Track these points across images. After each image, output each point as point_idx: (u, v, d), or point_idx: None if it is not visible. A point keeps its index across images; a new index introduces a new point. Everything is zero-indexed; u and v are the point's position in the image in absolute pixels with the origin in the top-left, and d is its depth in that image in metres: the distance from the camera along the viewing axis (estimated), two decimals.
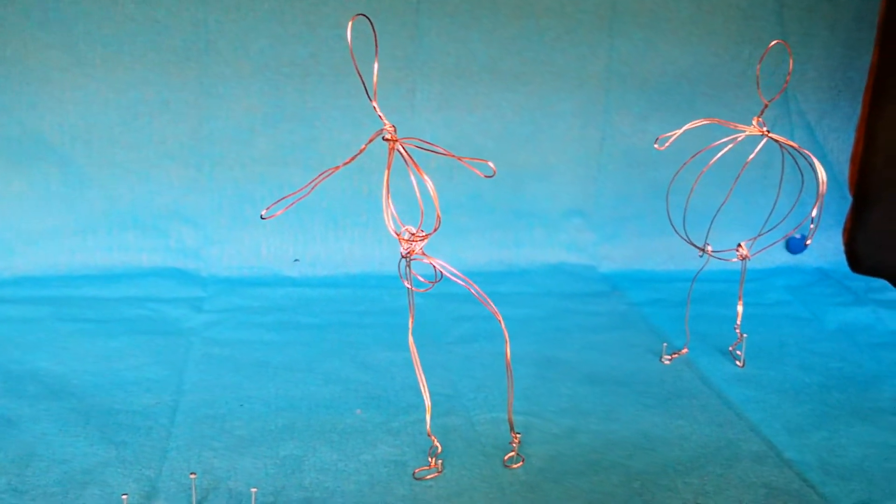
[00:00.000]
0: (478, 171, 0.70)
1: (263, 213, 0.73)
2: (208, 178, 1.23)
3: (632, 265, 1.34)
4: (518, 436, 0.78)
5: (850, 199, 1.39)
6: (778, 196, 1.01)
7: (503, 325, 0.74)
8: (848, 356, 1.06)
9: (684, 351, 1.05)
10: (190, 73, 1.18)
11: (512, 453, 0.78)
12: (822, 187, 0.91)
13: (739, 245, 1.01)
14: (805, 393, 0.96)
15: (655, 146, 0.89)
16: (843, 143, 1.37)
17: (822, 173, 0.91)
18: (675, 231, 0.98)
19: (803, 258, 1.39)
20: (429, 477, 0.75)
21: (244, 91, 1.20)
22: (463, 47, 1.23)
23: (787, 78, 0.97)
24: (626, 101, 1.30)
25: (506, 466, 0.77)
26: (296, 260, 1.25)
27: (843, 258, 1.40)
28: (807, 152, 0.91)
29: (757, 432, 0.86)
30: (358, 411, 0.86)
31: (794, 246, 1.38)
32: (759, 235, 1.00)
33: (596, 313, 1.17)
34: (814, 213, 0.92)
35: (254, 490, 0.68)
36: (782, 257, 1.39)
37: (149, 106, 1.19)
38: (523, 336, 1.08)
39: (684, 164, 0.95)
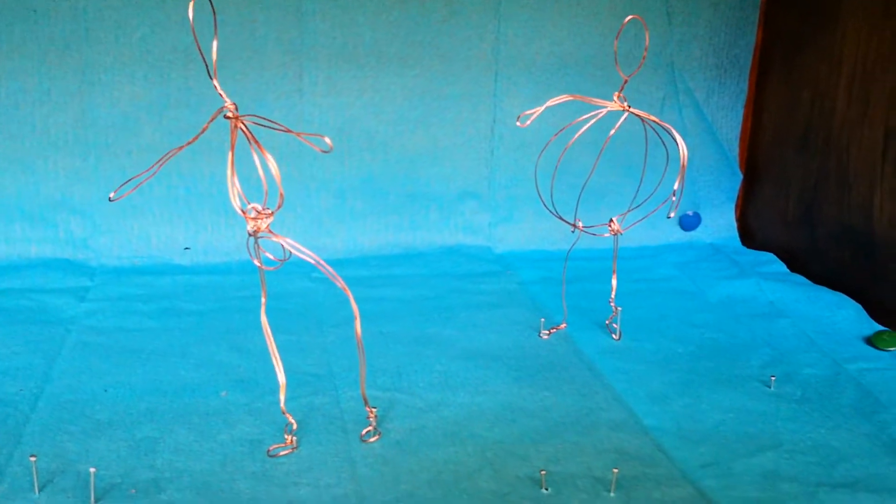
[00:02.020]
0: (316, 147, 0.70)
1: (112, 195, 0.73)
2: (94, 167, 1.21)
3: (527, 245, 1.36)
4: (374, 410, 0.79)
5: (740, 175, 1.41)
6: (644, 171, 1.02)
7: (354, 304, 0.75)
8: (724, 327, 1.08)
9: (563, 326, 1.06)
10: (70, 62, 1.17)
11: (369, 428, 0.79)
12: (684, 160, 0.93)
13: (611, 220, 1.02)
14: (676, 363, 0.98)
15: (518, 123, 0.90)
16: (731, 121, 1.39)
17: (682, 147, 0.92)
18: (546, 207, 0.99)
19: (697, 234, 1.42)
20: (282, 454, 0.75)
21: (128, 79, 1.19)
22: (348, 31, 1.23)
23: (644, 54, 0.99)
24: (515, 84, 1.31)
25: (362, 441, 0.78)
26: (186, 248, 1.24)
27: (735, 234, 1.43)
28: (667, 126, 0.93)
29: (620, 401, 0.88)
30: (223, 393, 0.86)
31: (687, 223, 1.40)
32: (629, 210, 1.02)
33: (485, 292, 1.19)
34: (676, 186, 0.93)
35: (92, 470, 0.68)
36: (676, 234, 1.41)
37: (29, 96, 1.18)
38: (408, 316, 1.09)
39: (547, 143, 0.97)
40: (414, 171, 1.31)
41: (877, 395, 0.90)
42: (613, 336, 1.04)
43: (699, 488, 0.73)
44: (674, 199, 0.94)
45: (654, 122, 0.94)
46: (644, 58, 0.98)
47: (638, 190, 1.03)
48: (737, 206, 1.44)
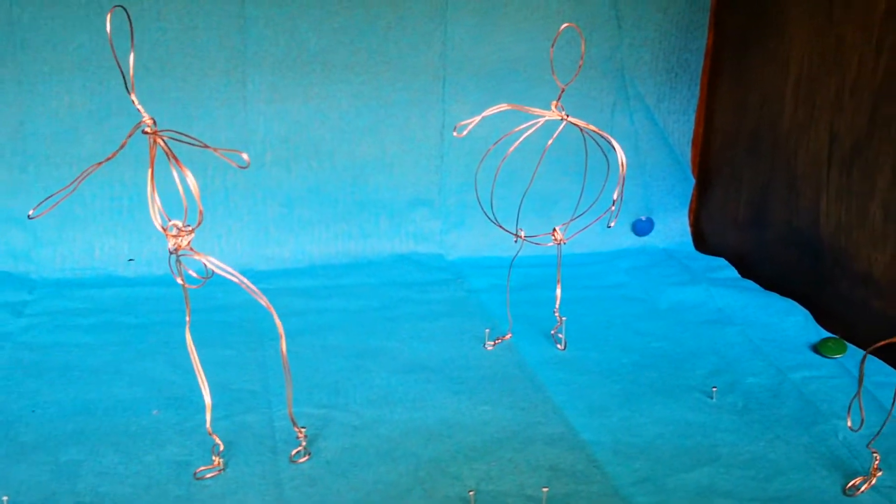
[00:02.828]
0: (232, 162, 0.69)
1: (31, 213, 0.71)
2: (34, 178, 1.19)
3: (479, 252, 1.34)
4: (303, 430, 0.77)
5: (692, 180, 1.41)
6: (584, 179, 1.01)
7: (278, 322, 0.73)
8: (671, 335, 1.08)
9: (508, 336, 1.05)
10: (6, 73, 1.15)
11: (299, 448, 0.77)
12: (623, 169, 0.92)
13: (555, 230, 1.01)
14: (619, 373, 0.97)
15: (455, 133, 0.89)
16: (683, 126, 1.39)
17: (621, 156, 0.91)
18: (487, 217, 0.98)
19: (650, 240, 1.41)
20: (208, 476, 0.74)
21: (65, 88, 1.17)
22: (293, 38, 1.22)
23: (581, 62, 0.98)
24: (464, 90, 1.29)
25: (291, 462, 0.77)
26: (130, 260, 1.22)
27: (689, 238, 1.42)
28: (606, 135, 0.91)
29: (559, 414, 0.87)
30: (155, 412, 0.85)
31: (640, 228, 1.40)
32: (572, 220, 1.01)
33: (433, 301, 1.17)
34: (615, 194, 0.92)
35: (5, 498, 0.66)
36: (629, 240, 1.41)
37: None
38: (352, 327, 1.08)
39: (485, 154, 0.96)
40: (362, 178, 1.30)
41: (818, 405, 0.90)
42: (558, 346, 1.03)
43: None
44: (613, 208, 0.93)
45: (593, 131, 0.93)
46: (580, 66, 0.97)
47: (580, 199, 1.02)
48: (690, 210, 1.43)
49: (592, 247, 1.39)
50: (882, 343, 0.68)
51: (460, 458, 0.78)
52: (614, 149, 0.92)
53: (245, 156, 0.67)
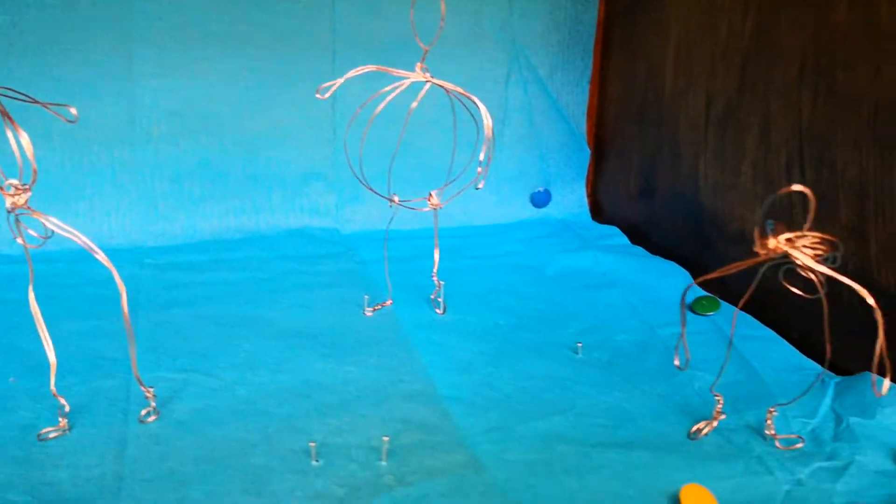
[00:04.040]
0: (62, 117, 0.68)
1: None
2: None
3: (375, 225, 1.34)
4: (151, 390, 0.77)
5: (588, 151, 1.42)
6: (455, 142, 1.01)
7: (119, 282, 0.73)
8: (553, 298, 1.09)
9: (388, 302, 1.05)
10: None
11: (149, 408, 0.77)
12: (488, 132, 0.92)
13: (430, 194, 1.02)
14: (493, 334, 0.98)
15: (318, 95, 0.89)
16: (577, 97, 1.40)
17: (487, 118, 0.92)
18: (358, 179, 0.98)
19: (549, 211, 1.42)
20: (52, 436, 0.73)
21: None
22: (179, 12, 1.21)
23: (441, 23, 0.98)
24: (354, 63, 1.26)
25: (140, 422, 0.76)
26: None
27: (586, 209, 1.44)
28: (472, 97, 0.92)
29: (424, 373, 0.88)
30: (12, 379, 0.84)
31: (538, 200, 1.41)
32: (447, 185, 1.01)
33: (322, 273, 1.17)
34: (481, 156, 0.93)
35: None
36: (528, 211, 1.42)
37: None
38: (233, 298, 1.07)
39: (353, 117, 0.96)
40: (254, 152, 1.29)
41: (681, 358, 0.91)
42: (437, 311, 1.04)
43: (474, 454, 0.72)
44: (480, 170, 0.94)
45: (459, 93, 0.93)
46: (441, 28, 0.97)
47: (452, 163, 1.02)
48: (588, 181, 1.45)
49: (492, 219, 1.40)
50: (709, 276, 0.70)
51: (314, 415, 0.78)
52: (479, 110, 0.92)
53: (73, 110, 0.67)
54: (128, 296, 1.08)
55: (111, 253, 1.20)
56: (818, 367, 0.92)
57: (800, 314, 0.95)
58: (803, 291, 0.67)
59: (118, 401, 0.80)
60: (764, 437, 0.76)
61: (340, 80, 0.89)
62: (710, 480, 0.69)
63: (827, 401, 0.82)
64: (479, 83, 1.34)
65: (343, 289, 1.12)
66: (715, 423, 0.77)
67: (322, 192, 1.33)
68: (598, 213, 1.43)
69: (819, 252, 0.63)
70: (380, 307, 1.04)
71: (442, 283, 1.03)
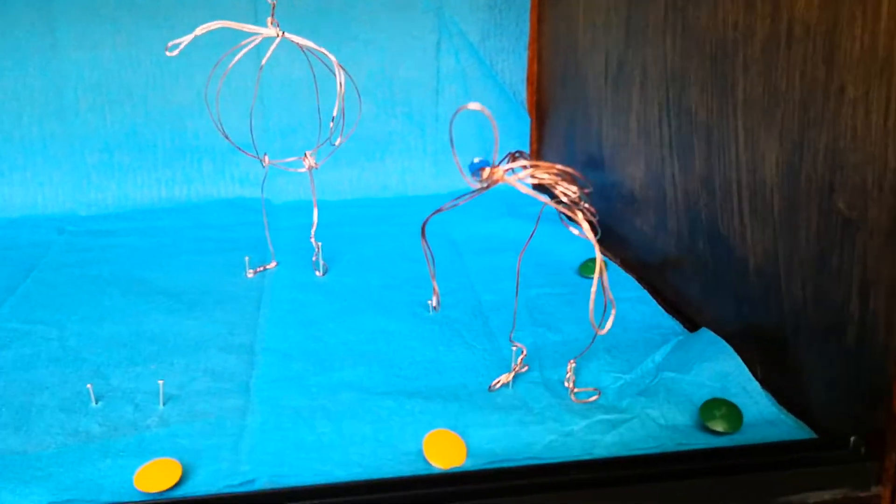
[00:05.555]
0: None
1: None
2: None
3: (307, 195, 1.34)
4: None
5: (528, 118, 1.38)
6: (318, 102, 1.00)
7: None
8: (443, 262, 1.06)
9: (272, 265, 1.05)
10: None
11: None
12: (340, 88, 0.91)
13: (306, 154, 1.01)
14: (357, 294, 0.97)
15: (167, 52, 0.90)
16: (514, 64, 1.36)
17: (340, 75, 0.91)
18: (227, 139, 0.98)
19: None
20: None
21: None
22: None
23: None
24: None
25: None
26: None
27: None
28: (326, 52, 0.91)
29: (253, 328, 0.87)
30: None
31: (476, 170, 1.38)
32: (320, 145, 1.00)
33: (228, 239, 1.17)
34: (335, 112, 0.92)
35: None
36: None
37: None
38: (124, 261, 1.08)
39: (212, 70, 0.96)
40: (180, 123, 1.31)
41: (532, 316, 0.88)
42: (317, 272, 1.03)
43: (250, 400, 0.72)
44: (332, 124, 0.93)
45: (315, 49, 0.93)
46: None
47: (320, 124, 1.01)
48: (532, 150, 1.41)
49: (431, 189, 1.38)
50: (434, 213, 0.67)
51: (124, 363, 0.79)
52: (332, 66, 0.91)
53: None
54: (27, 259, 1.12)
55: (44, 221, 1.26)
56: (677, 325, 0.87)
57: (676, 274, 0.91)
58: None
59: None
60: (564, 391, 0.72)
61: (189, 37, 0.90)
62: (474, 427, 0.66)
63: (657, 357, 0.78)
64: (408, 52, 1.32)
65: (240, 253, 1.12)
66: (511, 375, 0.74)
67: (253, 162, 1.33)
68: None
69: (551, 182, 0.60)
70: (262, 269, 1.04)
71: (319, 244, 1.02)
